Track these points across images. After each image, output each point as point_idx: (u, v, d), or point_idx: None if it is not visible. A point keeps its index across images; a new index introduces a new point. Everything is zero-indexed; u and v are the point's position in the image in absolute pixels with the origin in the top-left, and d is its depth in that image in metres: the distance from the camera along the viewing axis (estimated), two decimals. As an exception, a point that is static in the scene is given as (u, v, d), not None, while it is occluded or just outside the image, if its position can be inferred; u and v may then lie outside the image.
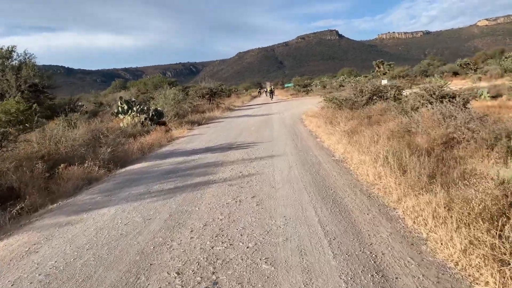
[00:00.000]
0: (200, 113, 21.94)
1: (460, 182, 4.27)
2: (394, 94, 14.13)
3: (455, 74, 56.25)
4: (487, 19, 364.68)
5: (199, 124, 16.43)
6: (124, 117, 15.16)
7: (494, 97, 19.19)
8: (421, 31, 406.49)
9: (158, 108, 15.73)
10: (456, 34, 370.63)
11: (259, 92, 69.46)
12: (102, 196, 5.74)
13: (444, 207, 3.54)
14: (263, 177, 5.81)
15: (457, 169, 5.03)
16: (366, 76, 58.20)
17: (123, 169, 7.92)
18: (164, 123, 14.53)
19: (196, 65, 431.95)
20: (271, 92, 41.27)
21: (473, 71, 55.05)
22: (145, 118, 14.65)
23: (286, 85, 75.85)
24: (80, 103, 24.88)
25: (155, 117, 15.03)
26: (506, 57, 55.64)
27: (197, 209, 4.57)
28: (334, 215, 3.89)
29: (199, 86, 29.39)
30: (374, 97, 14.27)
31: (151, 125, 14.18)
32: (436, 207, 3.58)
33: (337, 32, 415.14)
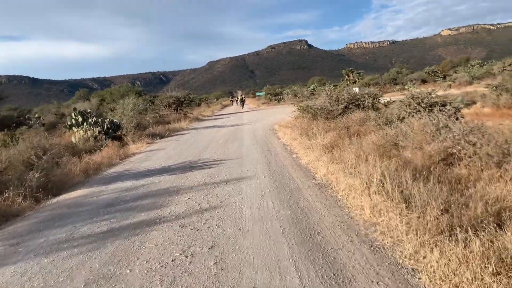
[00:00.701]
0: (166, 124, 20.35)
1: (489, 221, 3.15)
2: (372, 102, 13.26)
3: (424, 81, 57.52)
4: (449, 29, 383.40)
5: (162, 137, 14.86)
6: (77, 130, 13.40)
7: (468, 104, 18.92)
8: (388, 41, 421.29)
9: (115, 120, 14.04)
10: (421, 43, 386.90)
11: (231, 101, 70.14)
12: (6, 246, 4.18)
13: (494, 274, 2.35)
14: (228, 212, 4.45)
15: (474, 198, 3.91)
16: (335, 85, 58.52)
17: (55, 199, 6.31)
18: (119, 137, 12.89)
19: (166, 74, 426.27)
20: (242, 101, 42.23)
21: (441, 78, 56.51)
22: (99, 132, 12.95)
23: (257, 94, 75.14)
24: (35, 116, 22.53)
25: (110, 130, 13.35)
26: (472, 65, 57.44)
27: (128, 271, 3.14)
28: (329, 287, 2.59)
29: (165, 95, 27.71)
30: (351, 106, 13.36)
31: (105, 140, 12.50)
32: (481, 272, 2.38)
33: (306, 42, 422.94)
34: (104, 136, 12.84)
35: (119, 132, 13.41)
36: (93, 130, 13.04)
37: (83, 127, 13.26)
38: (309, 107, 13.98)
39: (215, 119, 25.51)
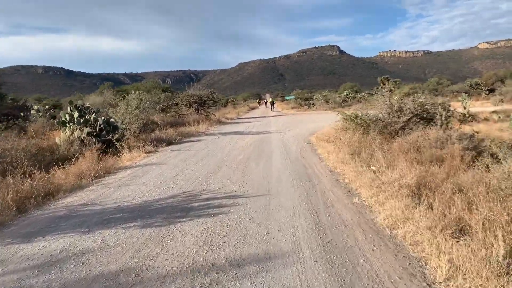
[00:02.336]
0: (181, 126, 17.55)
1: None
2: (445, 116, 9.81)
3: (466, 94, 52.47)
4: (487, 42, 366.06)
5: (170, 143, 11.96)
6: (65, 130, 10.76)
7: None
8: (422, 51, 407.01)
9: (111, 119, 11.26)
10: (457, 55, 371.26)
11: (258, 103, 68.61)
12: None
13: None
14: None
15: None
16: (370, 93, 54.46)
17: None
18: (109, 142, 10.06)
19: (197, 73, 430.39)
20: (272, 103, 41.72)
21: (485, 91, 51.40)
22: (88, 133, 10.20)
23: (287, 98, 71.87)
24: (36, 106, 20.28)
25: (104, 132, 10.58)
26: None
27: None
28: None
29: (186, 93, 25.00)
30: (414, 119, 9.99)
31: (95, 143, 9.73)
32: None
33: (338, 47, 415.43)
34: (94, 139, 10.08)
35: (115, 135, 10.59)
36: (81, 130, 10.33)
37: (70, 126, 10.57)
38: (360, 117, 10.71)
39: (239, 123, 22.52)
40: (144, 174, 7.20)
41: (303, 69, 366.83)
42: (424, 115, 9.93)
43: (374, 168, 7.06)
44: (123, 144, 10.08)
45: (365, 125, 10.47)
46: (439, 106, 9.95)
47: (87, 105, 12.51)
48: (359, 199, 4.84)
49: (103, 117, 11.49)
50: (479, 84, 54.84)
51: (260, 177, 6.40)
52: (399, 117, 9.84)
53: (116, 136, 9.94)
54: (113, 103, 13.27)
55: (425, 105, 10.05)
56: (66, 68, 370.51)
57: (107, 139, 10.11)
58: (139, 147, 10.46)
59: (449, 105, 10.37)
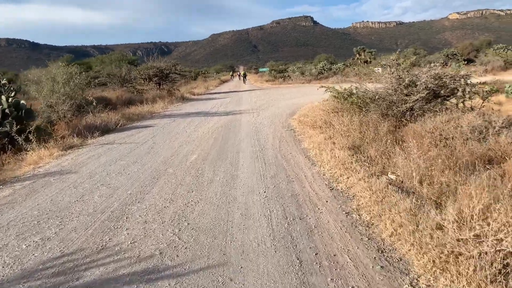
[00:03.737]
0: (134, 104, 14.49)
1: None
2: (470, 92, 7.43)
3: (444, 64, 51.32)
4: (458, 13, 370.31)
5: (105, 131, 8.99)
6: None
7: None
8: (394, 22, 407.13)
9: (22, 102, 8.15)
10: (428, 26, 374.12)
11: (231, 76, 66.59)
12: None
13: None
14: None
15: None
16: (345, 64, 52.15)
17: None
18: (9, 136, 7.03)
19: (168, 45, 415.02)
20: (244, 76, 41.55)
21: (463, 62, 50.21)
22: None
23: (260, 70, 68.73)
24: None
25: (10, 118, 7.50)
26: (497, 49, 50.11)
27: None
28: None
29: (145, 66, 21.58)
30: (427, 96, 7.66)
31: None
32: None
33: (312, 18, 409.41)
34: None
35: (25, 124, 7.55)
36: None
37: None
38: (355, 95, 8.21)
39: (206, 99, 19.53)
40: (26, 198, 4.37)
41: (277, 40, 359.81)
42: (440, 92, 7.52)
43: (393, 177, 4.65)
44: (31, 138, 7.06)
45: (363, 105, 7.99)
46: (462, 79, 7.48)
47: (3, 82, 9.30)
48: (383, 238, 2.33)
49: (10, 99, 8.34)
50: (455, 54, 53.62)
51: (214, 207, 3.74)
52: (407, 95, 7.38)
53: (18, 127, 6.89)
54: (36, 79, 10.02)
55: (442, 78, 7.53)
56: (31, 41, 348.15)
57: (4, 132, 7.06)
58: (63, 138, 7.56)
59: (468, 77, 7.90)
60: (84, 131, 8.37)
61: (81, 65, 50.71)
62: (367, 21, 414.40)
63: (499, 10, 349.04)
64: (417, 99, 7.22)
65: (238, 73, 63.08)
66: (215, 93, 25.15)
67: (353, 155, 5.52)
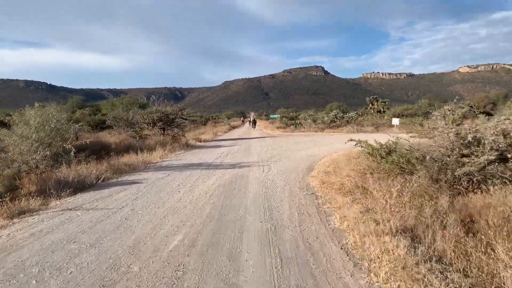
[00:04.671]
0: (134, 151, 12.89)
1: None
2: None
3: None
4: (468, 66, 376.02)
5: (80, 188, 7.25)
6: None
7: None
8: (405, 73, 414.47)
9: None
10: (438, 78, 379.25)
11: (242, 121, 66.80)
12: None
13: None
14: None
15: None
16: (357, 113, 50.94)
17: None
18: None
19: (182, 91, 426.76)
20: (254, 122, 41.98)
21: (481, 114, 48.60)
22: None
23: (271, 116, 68.25)
24: None
25: None
26: None
27: None
28: None
29: (149, 110, 20.38)
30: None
31: None
32: None
33: (323, 68, 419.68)
34: None
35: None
36: None
37: None
38: (398, 154, 6.39)
39: (213, 146, 17.94)
40: None
41: (288, 88, 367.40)
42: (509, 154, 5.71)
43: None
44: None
45: (406, 167, 6.16)
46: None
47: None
48: None
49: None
50: (471, 107, 52.33)
51: None
52: (466, 155, 5.58)
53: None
54: (6, 120, 8.54)
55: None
56: (49, 83, 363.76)
57: None
58: (30, 196, 5.86)
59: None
60: (52, 188, 6.64)
61: (91, 107, 50.48)
62: (378, 72, 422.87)
63: (510, 64, 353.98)
64: (483, 162, 5.40)
65: (249, 119, 62.92)
66: (223, 139, 23.66)
67: (414, 248, 3.64)
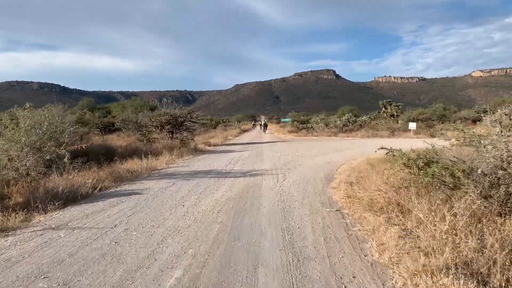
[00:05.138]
0: (140, 155, 12.11)
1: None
2: None
3: (475, 121, 48.15)
4: (481, 70, 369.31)
5: (71, 200, 6.41)
6: None
7: None
8: (417, 77, 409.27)
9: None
10: (451, 82, 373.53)
11: (253, 125, 66.13)
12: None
13: None
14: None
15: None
16: (370, 117, 49.60)
17: None
18: None
19: (193, 94, 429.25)
20: (265, 126, 40.55)
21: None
22: None
23: (282, 120, 67.32)
24: None
25: None
26: None
27: None
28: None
29: (158, 112, 19.64)
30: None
31: None
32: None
33: (334, 72, 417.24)
34: None
35: None
36: None
37: None
38: (441, 164, 5.41)
39: (223, 151, 17.09)
40: None
41: (299, 92, 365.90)
42: None
43: None
44: None
45: (451, 181, 5.18)
46: None
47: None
48: None
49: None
50: (487, 111, 50.49)
51: None
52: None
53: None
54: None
55: None
56: (62, 85, 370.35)
57: None
58: (14, 209, 5.06)
59: None
60: (38, 201, 5.83)
61: (101, 109, 50.19)
62: (389, 76, 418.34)
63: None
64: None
65: (260, 122, 62.44)
66: (234, 144, 22.80)
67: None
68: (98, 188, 7.45)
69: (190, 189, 7.54)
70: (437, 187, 5.21)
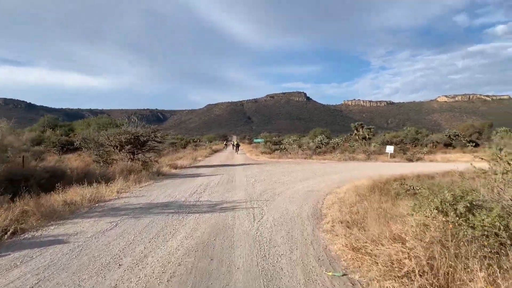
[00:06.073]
0: (92, 179, 9.98)
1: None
2: None
3: (447, 145, 48.75)
4: (446, 96, 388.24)
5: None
6: None
7: None
8: (385, 101, 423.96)
9: None
10: (418, 107, 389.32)
11: (225, 145, 65.56)
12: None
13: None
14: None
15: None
16: (343, 139, 49.16)
17: None
18: None
19: (164, 113, 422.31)
20: (237, 146, 40.38)
21: (468, 143, 47.61)
22: None
23: (255, 141, 65.95)
24: None
25: None
26: (500, 131, 47.26)
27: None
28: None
29: (117, 131, 17.46)
30: None
31: None
32: None
33: (305, 94, 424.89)
34: None
35: None
36: None
37: None
38: (496, 212, 3.68)
39: (189, 176, 15.09)
40: None
41: (270, 113, 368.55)
42: None
43: None
44: None
45: (508, 236, 3.53)
46: None
47: None
48: None
49: None
50: (458, 135, 51.56)
51: None
52: None
53: None
54: None
55: None
56: (28, 102, 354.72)
57: None
58: None
59: None
60: None
61: (64, 127, 46.78)
62: (359, 99, 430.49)
63: (485, 95, 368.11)
64: None
65: (232, 142, 61.62)
66: (203, 166, 20.81)
67: None
68: (10, 232, 5.37)
69: (137, 233, 5.60)
70: (492, 246, 3.62)
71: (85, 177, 11.72)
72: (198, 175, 14.94)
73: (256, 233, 5.64)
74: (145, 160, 17.12)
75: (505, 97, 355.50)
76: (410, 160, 27.63)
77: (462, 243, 3.55)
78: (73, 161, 19.03)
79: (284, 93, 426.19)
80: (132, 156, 17.18)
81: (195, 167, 20.13)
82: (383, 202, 7.80)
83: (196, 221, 6.40)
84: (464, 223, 3.55)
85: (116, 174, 12.54)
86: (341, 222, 6.14)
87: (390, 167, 20.28)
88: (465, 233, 3.52)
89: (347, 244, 4.74)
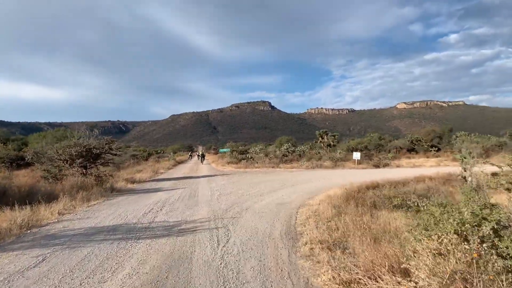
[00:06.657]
0: (37, 198, 8.51)
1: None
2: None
3: (410, 150, 50.01)
4: (405, 103, 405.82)
5: None
6: None
7: None
8: (347, 109, 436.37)
9: None
10: (378, 114, 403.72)
11: (190, 156, 63.63)
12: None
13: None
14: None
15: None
16: (309, 147, 49.12)
17: None
18: None
19: (127, 124, 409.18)
20: (203, 156, 41.35)
21: (429, 148, 49.16)
22: None
23: (221, 150, 64.65)
24: None
25: None
26: (460, 136, 49.07)
27: None
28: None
29: (67, 143, 15.71)
30: None
31: None
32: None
33: (269, 103, 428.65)
34: None
35: None
36: None
37: None
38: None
39: (146, 191, 13.70)
40: None
41: (236, 122, 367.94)
42: None
43: None
44: None
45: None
46: None
47: None
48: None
49: None
50: (420, 140, 53.06)
51: None
52: None
53: None
54: None
55: None
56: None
57: None
58: None
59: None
60: None
61: (16, 141, 43.28)
62: (321, 108, 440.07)
63: (442, 101, 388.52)
64: None
65: (197, 153, 60.44)
66: (164, 179, 19.37)
67: None
68: None
69: (67, 271, 4.37)
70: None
71: (27, 196, 10.23)
72: (157, 190, 13.59)
73: (220, 263, 4.60)
74: (98, 174, 15.51)
75: (460, 103, 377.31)
76: (377, 166, 27.60)
77: (490, 276, 2.71)
78: (22, 178, 17.12)
79: (249, 103, 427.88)
80: (84, 170, 15.54)
81: (155, 180, 18.66)
82: (362, 215, 7.04)
83: (146, 250, 5.24)
84: (491, 250, 2.74)
85: (63, 191, 11.01)
86: (321, 243, 5.25)
87: (359, 174, 19.89)
88: (494, 264, 2.70)
89: (334, 277, 3.80)
